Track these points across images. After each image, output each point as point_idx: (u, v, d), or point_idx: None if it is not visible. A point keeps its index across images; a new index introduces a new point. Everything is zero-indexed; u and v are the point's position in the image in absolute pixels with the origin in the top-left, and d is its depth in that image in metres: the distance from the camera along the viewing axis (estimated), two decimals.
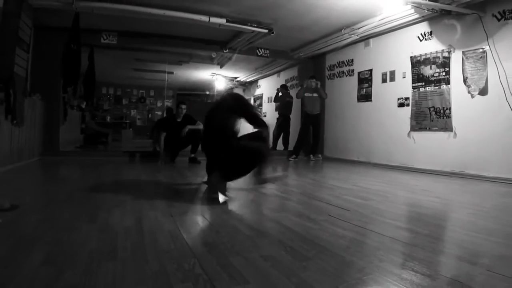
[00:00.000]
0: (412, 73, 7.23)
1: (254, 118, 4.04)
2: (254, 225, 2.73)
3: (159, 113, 18.37)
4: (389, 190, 4.67)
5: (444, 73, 6.54)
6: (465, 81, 6.16)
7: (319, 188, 4.25)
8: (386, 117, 7.86)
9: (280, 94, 10.58)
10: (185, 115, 7.65)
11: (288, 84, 11.70)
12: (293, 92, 10.82)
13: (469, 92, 6.09)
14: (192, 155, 7.76)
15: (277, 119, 10.74)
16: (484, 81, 5.84)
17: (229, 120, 3.85)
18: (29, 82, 7.11)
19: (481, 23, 5.85)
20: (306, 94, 8.88)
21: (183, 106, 7.67)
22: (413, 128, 7.17)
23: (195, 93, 18.65)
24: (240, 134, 4.03)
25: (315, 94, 8.83)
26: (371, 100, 8.40)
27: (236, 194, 4.02)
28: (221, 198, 3.42)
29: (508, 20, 5.54)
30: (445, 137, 6.49)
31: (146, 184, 4.65)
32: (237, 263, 1.90)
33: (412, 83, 7.21)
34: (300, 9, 6.96)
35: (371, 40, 8.38)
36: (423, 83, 6.96)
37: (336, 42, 8.70)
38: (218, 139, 3.79)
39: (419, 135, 7.04)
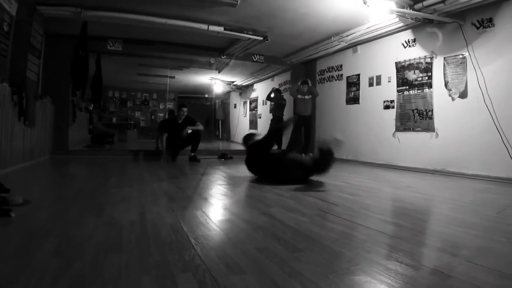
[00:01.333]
0: (397, 78, 7.23)
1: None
2: (250, 219, 2.72)
3: (162, 115, 18.38)
4: (375, 186, 4.67)
5: (426, 78, 6.55)
6: (446, 85, 6.17)
7: (310, 185, 4.24)
8: (373, 118, 7.86)
9: (272, 95, 10.53)
10: (186, 117, 7.65)
11: (282, 88, 11.68)
12: (286, 96, 10.82)
13: (450, 95, 6.10)
14: (192, 154, 7.77)
15: (271, 120, 10.72)
16: (464, 85, 5.85)
17: None
18: (40, 86, 7.12)
19: (461, 31, 5.86)
20: (299, 96, 8.85)
21: (184, 109, 7.68)
22: (398, 129, 7.18)
23: (195, 96, 18.66)
24: None
25: (307, 97, 8.81)
26: (358, 103, 8.40)
27: (233, 191, 4.01)
28: None
29: (486, 28, 5.55)
30: (428, 137, 6.50)
31: (149, 181, 4.63)
32: (234, 254, 1.90)
33: (397, 87, 7.22)
34: (293, 18, 6.95)
35: (358, 46, 8.38)
36: (407, 87, 6.96)
37: (326, 49, 8.70)
38: None
39: (404, 135, 7.05)
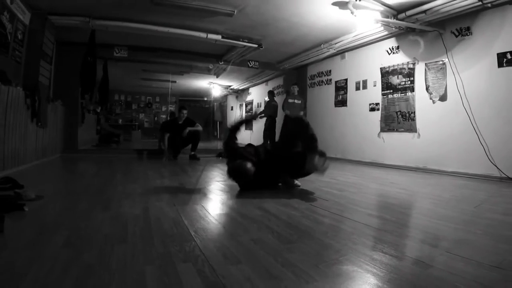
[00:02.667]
0: (381, 82, 7.26)
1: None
2: (245, 213, 2.71)
3: (164, 116, 18.40)
4: (362, 182, 4.68)
5: (409, 82, 6.57)
6: (427, 89, 6.19)
7: (301, 181, 4.23)
8: (359, 120, 7.88)
9: (267, 98, 10.50)
10: (186, 118, 7.64)
11: (275, 92, 11.68)
12: (278, 99, 10.85)
13: (431, 98, 6.13)
14: (192, 153, 7.77)
15: (266, 120, 10.70)
16: (444, 89, 5.88)
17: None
18: (52, 90, 7.13)
19: (441, 39, 5.89)
20: (289, 101, 8.85)
21: (184, 111, 7.67)
22: (382, 129, 7.20)
23: (195, 99, 18.62)
24: None
25: (296, 101, 8.81)
26: (346, 105, 8.42)
27: (230, 187, 4.00)
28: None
29: (464, 36, 5.58)
30: (410, 137, 6.52)
31: (152, 178, 4.61)
32: (230, 245, 1.90)
33: (382, 90, 7.24)
34: (285, 27, 6.96)
35: (346, 53, 8.40)
36: (391, 91, 6.98)
37: (316, 55, 8.71)
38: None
39: (388, 135, 7.07)
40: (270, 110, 10.40)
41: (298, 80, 10.28)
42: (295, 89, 8.87)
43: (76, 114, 8.25)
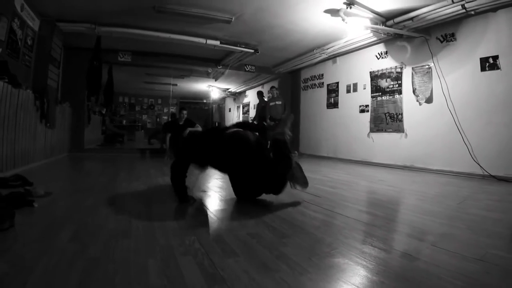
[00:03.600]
0: (371, 85, 7.27)
1: None
2: (242, 209, 2.72)
3: (166, 117, 18.42)
4: (352, 180, 4.69)
5: (397, 85, 6.59)
6: (414, 91, 6.21)
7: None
8: (350, 121, 7.89)
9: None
10: (186, 119, 7.64)
11: (268, 94, 11.63)
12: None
13: (417, 100, 6.15)
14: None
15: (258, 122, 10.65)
16: (430, 92, 5.90)
17: None
18: (60, 93, 7.13)
19: (427, 44, 5.91)
20: (271, 103, 8.80)
21: (184, 112, 7.67)
22: (372, 130, 7.21)
23: (195, 101, 18.61)
24: None
25: (277, 102, 8.75)
26: (338, 107, 8.42)
27: (228, 184, 4.00)
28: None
29: (449, 42, 5.60)
30: (398, 137, 6.54)
31: (155, 176, 4.61)
32: (228, 239, 1.91)
33: (371, 93, 7.25)
34: (280, 34, 6.96)
35: (338, 58, 8.40)
36: (380, 93, 7.00)
37: (310, 60, 8.71)
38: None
39: (377, 136, 7.08)
40: (262, 112, 10.32)
41: (292, 83, 10.32)
42: (275, 92, 8.82)
43: (82, 116, 8.24)
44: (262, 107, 10.04)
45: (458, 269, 1.53)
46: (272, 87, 8.99)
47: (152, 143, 11.54)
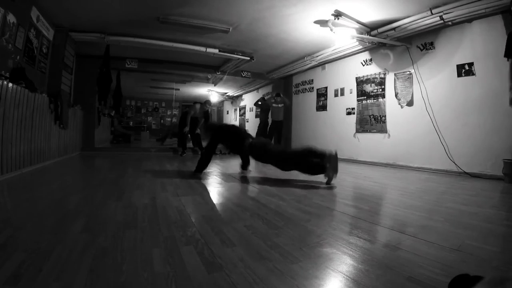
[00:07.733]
0: (357, 90, 7.28)
1: None
2: (239, 203, 2.72)
3: (169, 119, 18.48)
4: (339, 176, 4.66)
5: (380, 90, 6.61)
6: (396, 95, 6.24)
7: (288, 175, 4.25)
8: (337, 122, 7.90)
9: (260, 103, 10.40)
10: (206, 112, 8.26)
11: (266, 98, 11.65)
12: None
13: (399, 104, 6.17)
14: (196, 149, 8.21)
15: (259, 124, 10.64)
16: (411, 96, 5.93)
17: None
18: (72, 96, 7.15)
19: (408, 52, 5.94)
20: (273, 105, 8.89)
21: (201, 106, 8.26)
22: (357, 131, 7.23)
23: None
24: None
25: (279, 105, 8.81)
26: (326, 110, 8.43)
27: (226, 180, 4.00)
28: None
29: (428, 50, 5.63)
30: (382, 137, 6.56)
31: (159, 172, 4.59)
32: (226, 231, 1.91)
33: (357, 97, 7.26)
34: (274, 42, 6.97)
35: (326, 65, 8.41)
36: (365, 97, 7.02)
37: (301, 66, 8.72)
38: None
39: (362, 136, 7.10)
40: (263, 115, 10.30)
41: (284, 88, 10.33)
42: (278, 99, 8.85)
43: (93, 117, 8.25)
44: (266, 110, 9.89)
45: (437, 258, 1.54)
46: (277, 94, 9.00)
47: (165, 145, 11.48)
